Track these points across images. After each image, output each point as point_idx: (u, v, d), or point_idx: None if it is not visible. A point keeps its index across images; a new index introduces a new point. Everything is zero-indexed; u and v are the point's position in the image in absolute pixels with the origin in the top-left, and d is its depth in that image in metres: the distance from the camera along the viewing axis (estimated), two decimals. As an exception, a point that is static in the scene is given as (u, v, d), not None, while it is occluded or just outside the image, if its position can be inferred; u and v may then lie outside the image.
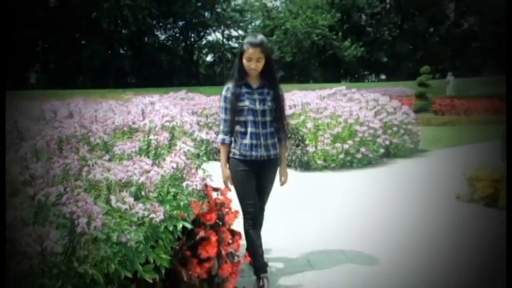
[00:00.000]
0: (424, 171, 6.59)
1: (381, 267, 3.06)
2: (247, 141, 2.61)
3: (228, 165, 2.70)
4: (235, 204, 2.71)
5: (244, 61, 2.54)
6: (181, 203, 1.70)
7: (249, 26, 43.51)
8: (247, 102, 2.59)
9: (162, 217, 1.39)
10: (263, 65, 2.56)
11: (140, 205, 1.28)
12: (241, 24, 41.73)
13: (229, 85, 2.62)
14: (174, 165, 1.62)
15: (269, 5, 44.29)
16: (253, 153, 2.61)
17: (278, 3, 45.16)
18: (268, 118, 2.63)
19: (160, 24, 35.01)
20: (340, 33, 40.42)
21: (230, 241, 2.42)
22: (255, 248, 2.71)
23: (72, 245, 1.05)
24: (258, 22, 43.84)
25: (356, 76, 46.58)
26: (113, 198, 1.21)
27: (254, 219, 2.70)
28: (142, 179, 1.37)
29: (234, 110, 2.60)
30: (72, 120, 1.88)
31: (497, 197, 4.29)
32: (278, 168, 2.79)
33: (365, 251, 3.34)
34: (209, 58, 44.28)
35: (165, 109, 2.14)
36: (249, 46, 2.51)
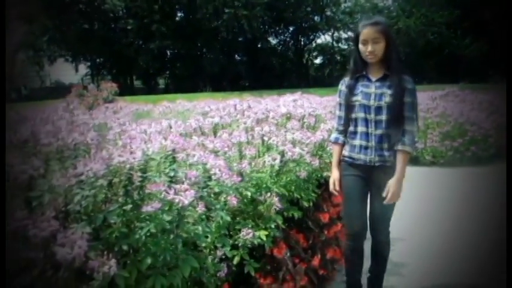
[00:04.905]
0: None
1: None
2: (356, 142, 2.28)
3: (338, 166, 2.40)
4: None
5: (360, 46, 2.20)
6: (326, 161, 2.74)
7: (359, 28, 43.06)
8: (359, 97, 2.24)
9: (317, 164, 2.42)
10: (383, 49, 2.17)
11: (308, 155, 2.33)
12: (351, 25, 41.62)
13: (346, 78, 2.34)
14: (321, 137, 2.65)
15: (380, 5, 43.39)
16: (362, 156, 2.27)
17: (390, 2, 44.02)
18: (384, 116, 2.20)
19: (272, 30, 37.02)
20: (459, 31, 37.84)
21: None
22: (348, 270, 2.58)
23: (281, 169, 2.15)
24: (368, 23, 43.25)
25: (479, 77, 42.91)
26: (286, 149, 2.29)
27: (355, 239, 2.42)
28: (307, 141, 2.41)
29: (347, 105, 2.30)
30: (248, 112, 3.02)
31: None
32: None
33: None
34: (318, 60, 44.94)
35: (308, 103, 3.19)
36: (363, 26, 2.17)
